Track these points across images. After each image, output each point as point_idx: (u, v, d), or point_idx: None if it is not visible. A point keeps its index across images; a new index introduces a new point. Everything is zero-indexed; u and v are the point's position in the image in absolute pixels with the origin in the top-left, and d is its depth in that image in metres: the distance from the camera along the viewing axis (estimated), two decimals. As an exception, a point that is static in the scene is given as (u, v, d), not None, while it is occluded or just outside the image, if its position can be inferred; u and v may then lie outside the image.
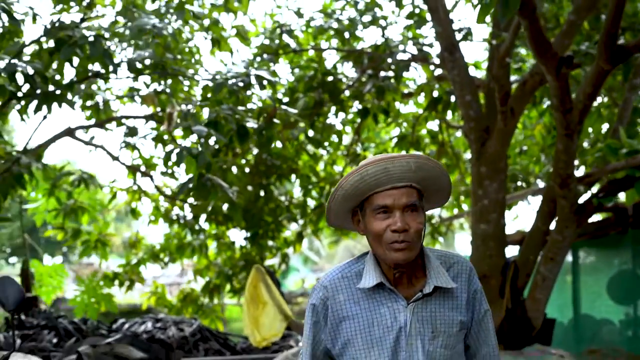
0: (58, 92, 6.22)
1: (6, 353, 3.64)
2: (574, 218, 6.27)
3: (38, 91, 6.12)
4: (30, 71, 5.96)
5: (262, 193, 9.91)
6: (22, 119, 6.52)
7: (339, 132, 9.70)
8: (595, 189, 6.76)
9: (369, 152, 10.70)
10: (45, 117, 7.06)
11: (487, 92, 7.35)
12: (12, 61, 5.96)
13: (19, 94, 6.29)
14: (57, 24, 6.26)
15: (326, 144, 9.93)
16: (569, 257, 9.30)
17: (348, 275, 2.55)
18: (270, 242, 10.63)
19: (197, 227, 10.38)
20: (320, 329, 2.56)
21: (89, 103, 7.86)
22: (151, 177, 9.13)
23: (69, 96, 6.48)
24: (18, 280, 8.05)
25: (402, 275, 2.49)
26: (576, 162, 7.35)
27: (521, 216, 29.43)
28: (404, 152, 2.49)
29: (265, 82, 6.68)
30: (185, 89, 8.29)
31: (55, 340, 8.91)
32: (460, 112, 7.38)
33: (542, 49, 5.33)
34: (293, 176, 10.18)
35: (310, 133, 9.18)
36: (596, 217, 8.29)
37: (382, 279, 2.48)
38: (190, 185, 6.60)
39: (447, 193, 2.62)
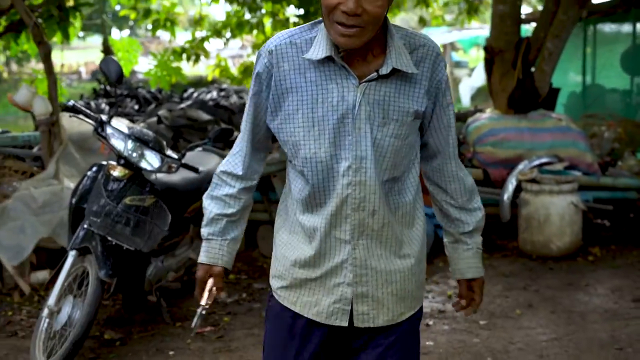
0: None
1: (112, 113, 4.93)
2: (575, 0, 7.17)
3: None
4: None
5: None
6: None
7: None
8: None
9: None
10: None
11: None
12: None
13: None
14: None
15: None
16: (581, 34, 10.18)
17: (297, 42, 2.21)
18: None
19: (255, 5, 11.41)
20: (262, 100, 2.29)
21: None
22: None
23: None
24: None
25: (356, 51, 2.15)
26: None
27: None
28: None
29: None
30: None
31: (136, 107, 10.33)
32: None
33: None
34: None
35: None
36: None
37: (333, 53, 2.14)
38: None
39: None
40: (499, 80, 7.81)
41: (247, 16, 11.83)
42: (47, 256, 6.03)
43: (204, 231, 2.41)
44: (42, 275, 5.90)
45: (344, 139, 2.19)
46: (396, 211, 2.30)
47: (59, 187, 6.16)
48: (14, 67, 33.70)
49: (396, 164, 2.25)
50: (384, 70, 2.14)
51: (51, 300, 4.41)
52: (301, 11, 11.31)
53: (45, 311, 4.41)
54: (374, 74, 2.15)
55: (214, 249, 2.40)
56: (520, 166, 6.88)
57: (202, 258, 2.41)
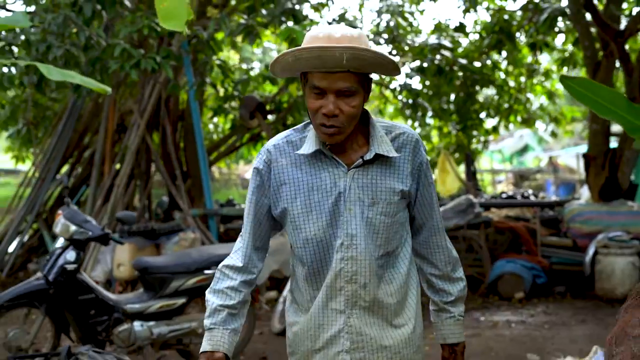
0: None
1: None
2: (643, 121, 9.99)
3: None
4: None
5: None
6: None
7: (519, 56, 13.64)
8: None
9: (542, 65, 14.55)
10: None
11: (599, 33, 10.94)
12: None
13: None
14: None
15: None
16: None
17: (293, 141, 2.50)
18: (475, 132, 14.83)
19: (423, 121, 14.74)
20: (263, 192, 2.52)
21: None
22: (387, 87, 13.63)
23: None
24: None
25: (342, 143, 2.44)
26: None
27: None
28: (343, 31, 2.34)
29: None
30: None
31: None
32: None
33: (603, 27, 9.18)
34: (491, 86, 14.03)
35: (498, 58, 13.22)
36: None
37: (321, 147, 2.42)
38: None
39: (392, 68, 2.39)
40: (593, 178, 10.64)
41: (418, 130, 14.97)
42: (276, 282, 9.46)
43: (207, 322, 2.48)
44: (272, 293, 9.32)
45: (338, 219, 2.44)
46: (392, 282, 2.51)
47: (285, 239, 9.60)
48: (224, 169, 38.80)
49: (389, 239, 2.48)
50: (368, 156, 2.43)
51: (285, 292, 7.81)
52: (459, 126, 14.61)
53: (281, 299, 7.83)
54: (360, 160, 2.44)
55: (215, 337, 2.47)
56: (599, 237, 9.67)
57: (204, 347, 2.48)
